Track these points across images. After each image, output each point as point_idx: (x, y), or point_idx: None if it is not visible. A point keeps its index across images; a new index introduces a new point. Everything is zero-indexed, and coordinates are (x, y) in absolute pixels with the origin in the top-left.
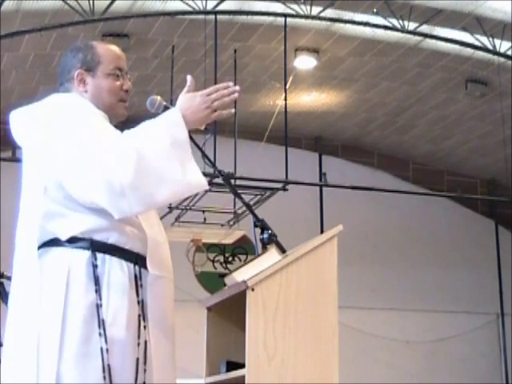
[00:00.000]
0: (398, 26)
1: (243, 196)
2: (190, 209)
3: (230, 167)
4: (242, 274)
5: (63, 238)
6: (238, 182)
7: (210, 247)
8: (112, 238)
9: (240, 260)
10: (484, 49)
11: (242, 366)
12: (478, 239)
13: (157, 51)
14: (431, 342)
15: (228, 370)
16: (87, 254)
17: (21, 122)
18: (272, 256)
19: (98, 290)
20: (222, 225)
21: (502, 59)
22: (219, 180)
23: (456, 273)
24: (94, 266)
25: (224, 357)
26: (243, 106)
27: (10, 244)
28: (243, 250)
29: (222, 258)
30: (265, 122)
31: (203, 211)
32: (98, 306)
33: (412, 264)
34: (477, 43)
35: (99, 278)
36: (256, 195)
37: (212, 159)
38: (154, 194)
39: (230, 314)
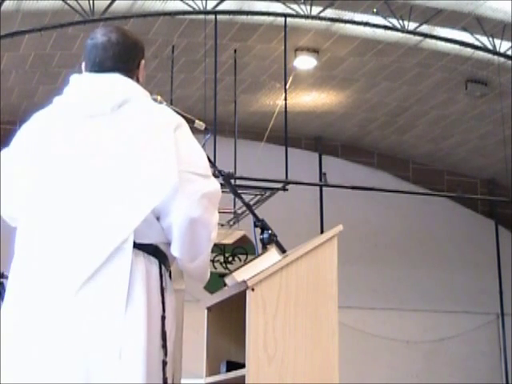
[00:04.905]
0: (398, 26)
1: (243, 196)
2: None
3: (230, 167)
4: (242, 274)
5: (137, 240)
6: (238, 182)
7: None
8: (167, 252)
9: (240, 260)
10: (484, 49)
11: (242, 365)
12: (478, 239)
13: (157, 51)
14: (431, 341)
15: (228, 370)
16: (157, 262)
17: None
18: (272, 256)
19: (163, 303)
20: (222, 225)
21: (502, 59)
22: (219, 180)
23: (456, 273)
24: (161, 276)
25: (224, 357)
26: (243, 106)
27: (11, 244)
28: (243, 249)
29: (222, 258)
30: (265, 122)
31: None
32: (163, 319)
33: (412, 264)
34: (477, 43)
35: (164, 290)
36: (256, 195)
37: (212, 159)
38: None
39: (230, 313)
